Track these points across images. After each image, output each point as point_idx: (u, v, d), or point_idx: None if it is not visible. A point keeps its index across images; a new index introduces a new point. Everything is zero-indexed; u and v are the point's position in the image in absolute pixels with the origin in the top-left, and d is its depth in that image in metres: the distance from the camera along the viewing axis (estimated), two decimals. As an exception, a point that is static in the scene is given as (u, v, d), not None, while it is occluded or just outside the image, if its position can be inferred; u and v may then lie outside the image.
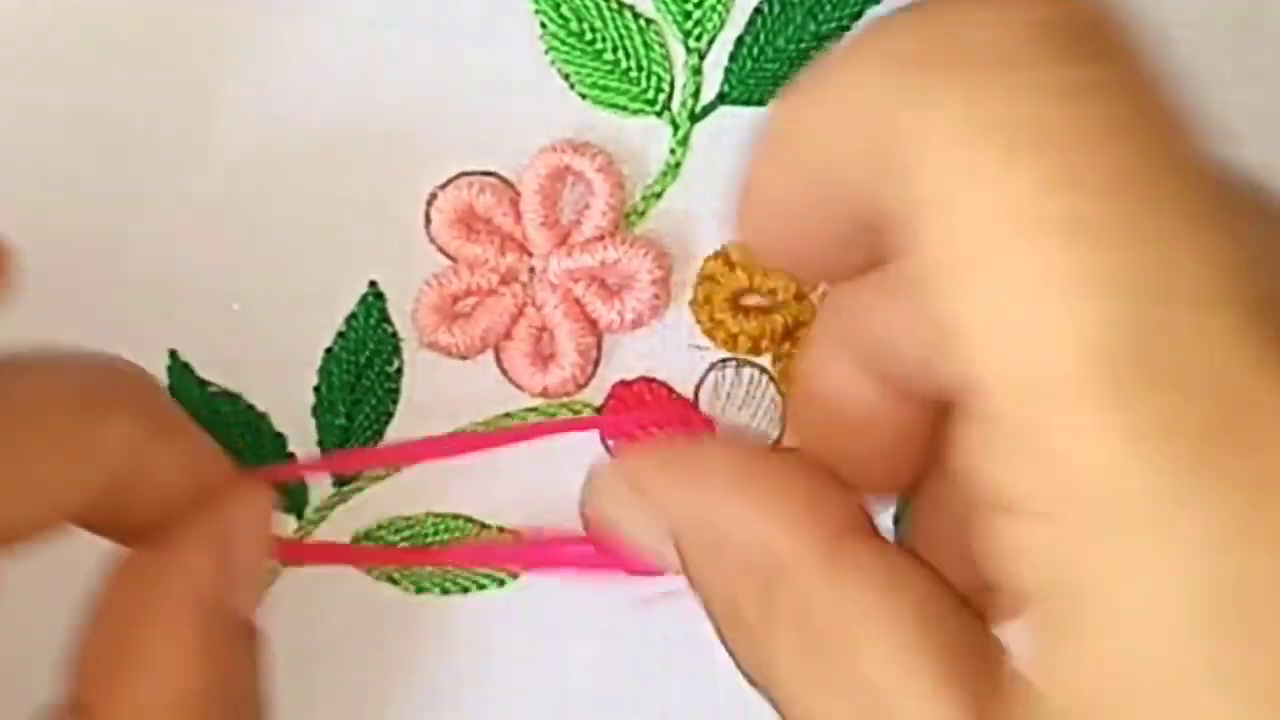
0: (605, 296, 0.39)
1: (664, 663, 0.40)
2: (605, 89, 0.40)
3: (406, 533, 0.40)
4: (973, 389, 0.23)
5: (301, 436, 0.40)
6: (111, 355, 0.36)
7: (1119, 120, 0.23)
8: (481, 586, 0.40)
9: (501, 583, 0.40)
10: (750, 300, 0.40)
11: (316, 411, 0.40)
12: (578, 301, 0.40)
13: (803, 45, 0.40)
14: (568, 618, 0.40)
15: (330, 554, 0.40)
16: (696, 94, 0.40)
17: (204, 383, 0.40)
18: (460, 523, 0.40)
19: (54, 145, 0.40)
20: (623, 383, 0.40)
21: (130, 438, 0.34)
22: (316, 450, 0.40)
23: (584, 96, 0.40)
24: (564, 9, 0.40)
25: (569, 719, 0.40)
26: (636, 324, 0.40)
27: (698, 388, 0.40)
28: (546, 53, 0.40)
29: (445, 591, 0.40)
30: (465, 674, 0.40)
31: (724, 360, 0.40)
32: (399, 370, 0.40)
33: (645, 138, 0.40)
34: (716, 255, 0.40)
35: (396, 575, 0.40)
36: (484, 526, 0.40)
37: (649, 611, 0.40)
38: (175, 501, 0.35)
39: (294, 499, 0.40)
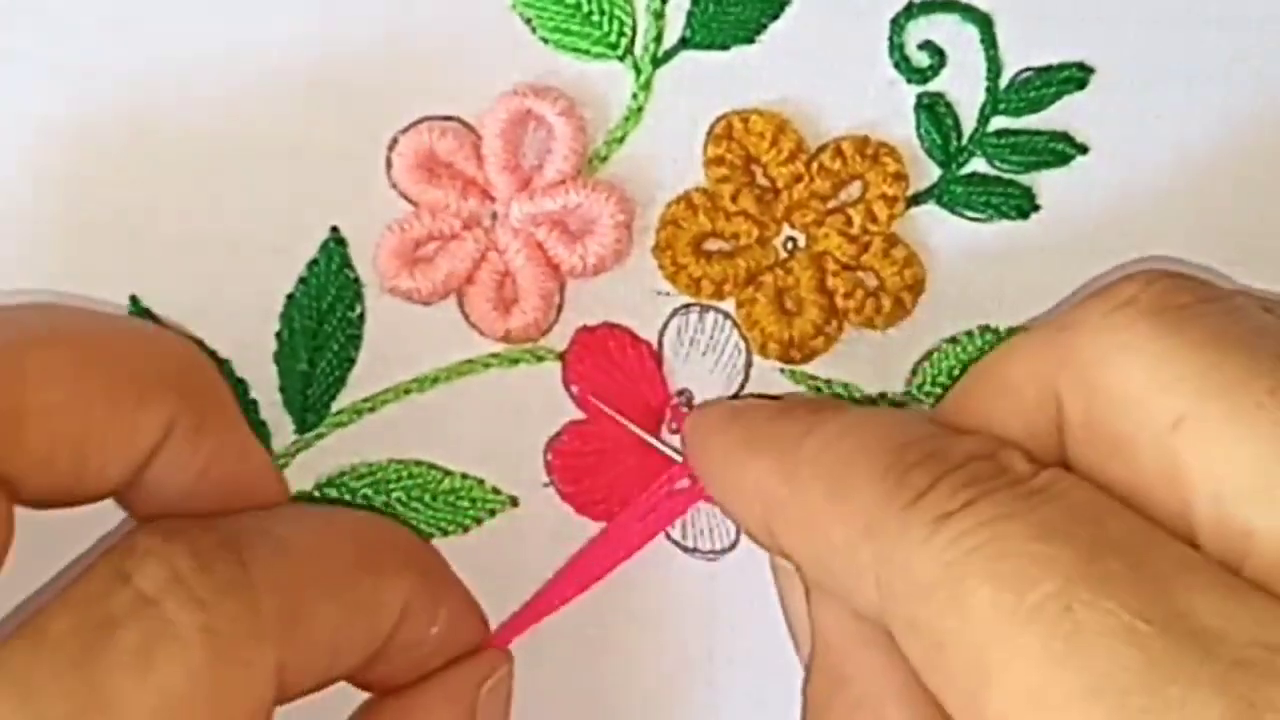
0: (567, 241, 0.39)
1: (637, 605, 0.40)
2: (567, 33, 0.39)
3: (369, 480, 0.40)
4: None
5: (263, 383, 0.40)
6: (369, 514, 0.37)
7: None
8: (445, 533, 0.40)
9: (465, 529, 0.40)
10: (713, 245, 0.40)
11: (278, 358, 0.40)
12: (540, 246, 0.39)
13: (765, -11, 0.40)
14: (531, 563, 0.40)
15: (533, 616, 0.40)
16: (659, 38, 0.40)
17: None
18: (423, 469, 0.40)
19: (11, 91, 0.40)
20: (585, 328, 0.40)
21: (406, 600, 0.34)
22: (278, 396, 0.40)
23: (546, 40, 0.40)
24: (525, -48, 0.40)
25: (541, 662, 0.40)
26: (599, 269, 0.40)
27: (661, 333, 0.40)
28: (508, -5, 0.40)
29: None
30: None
31: (687, 305, 0.40)
32: (361, 316, 0.40)
33: (607, 82, 0.40)
34: (679, 200, 0.40)
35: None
36: (447, 473, 0.40)
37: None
38: (431, 661, 0.36)
39: (256, 445, 0.40)
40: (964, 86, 0.39)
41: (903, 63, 0.39)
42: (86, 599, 0.31)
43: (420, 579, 0.35)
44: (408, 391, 0.40)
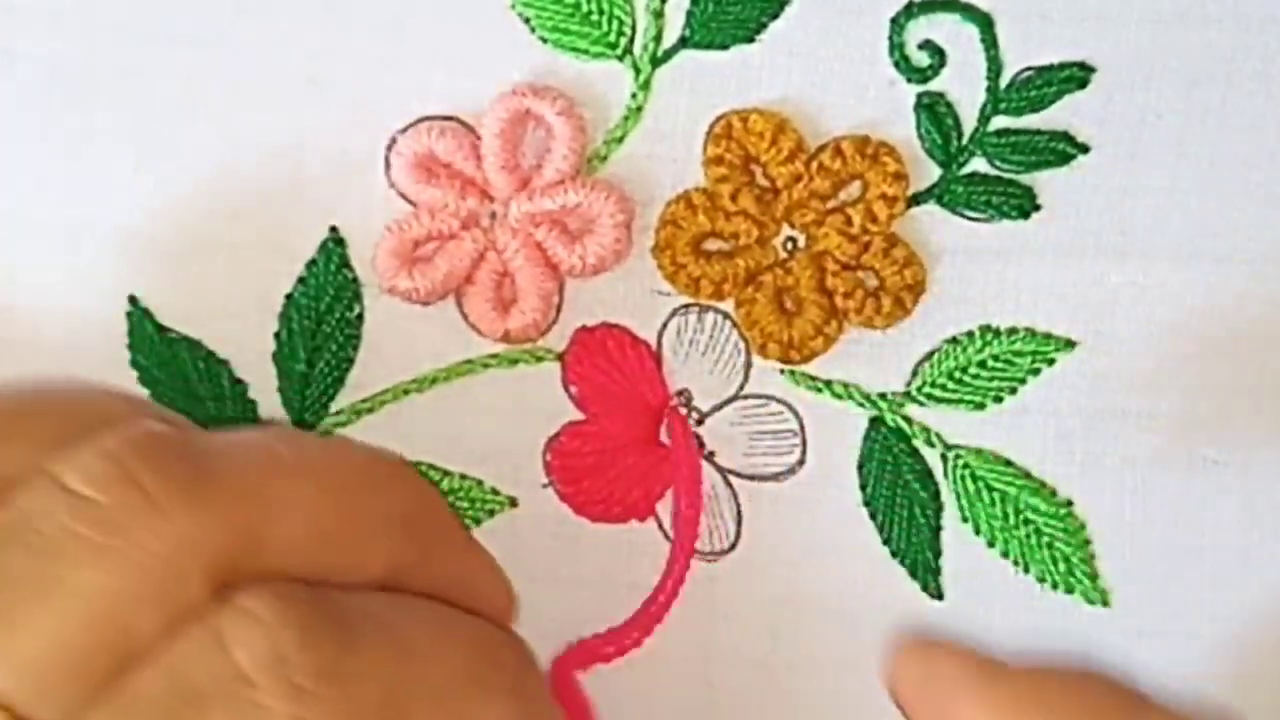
0: (567, 241, 0.39)
1: (637, 605, 0.40)
2: (566, 32, 0.39)
3: (369, 480, 0.40)
4: None
5: (262, 383, 0.40)
6: (490, 626, 0.36)
7: None
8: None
9: (476, 521, 0.40)
10: (713, 244, 0.40)
11: (277, 358, 0.40)
12: (539, 246, 0.39)
13: (765, -12, 0.39)
14: (531, 563, 0.40)
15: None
16: (658, 37, 0.39)
17: (164, 329, 0.40)
18: (422, 469, 0.40)
19: (11, 91, 0.40)
20: (584, 328, 0.40)
21: None
22: (277, 397, 0.40)
23: (545, 40, 0.39)
24: (525, -49, 0.39)
25: (540, 663, 0.40)
26: (598, 269, 0.39)
27: (660, 333, 0.40)
28: (507, -5, 0.40)
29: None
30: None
31: (686, 306, 0.40)
32: (360, 316, 0.40)
33: (607, 81, 0.40)
34: (679, 199, 0.40)
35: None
36: (446, 473, 0.40)
37: (613, 559, 0.40)
38: None
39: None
40: (964, 86, 0.39)
41: (903, 62, 0.39)
42: (182, 662, 0.30)
43: (521, 704, 0.34)
44: (406, 392, 0.40)
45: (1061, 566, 0.40)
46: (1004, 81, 0.39)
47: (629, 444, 0.40)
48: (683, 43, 0.40)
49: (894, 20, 0.39)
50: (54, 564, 0.29)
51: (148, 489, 0.31)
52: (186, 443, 0.32)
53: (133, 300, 0.40)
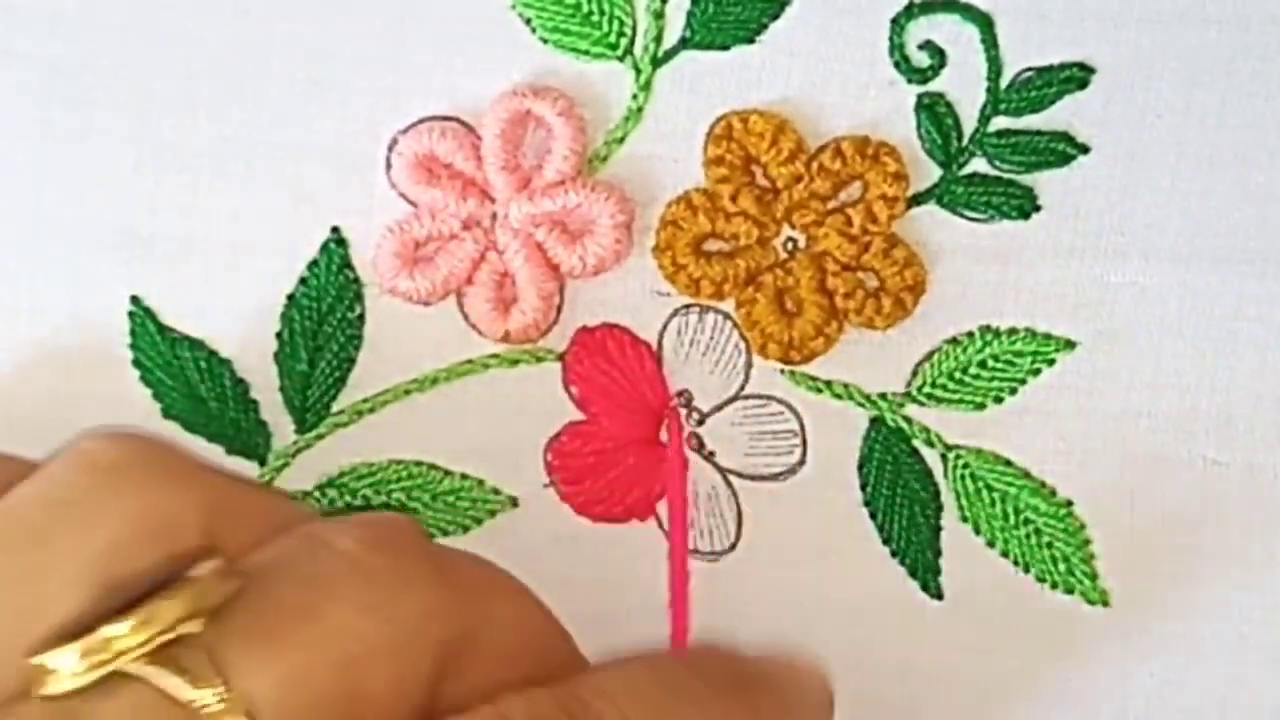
0: (567, 241, 0.39)
1: (637, 604, 0.40)
2: (567, 33, 0.39)
3: (370, 480, 0.40)
4: None
5: (264, 383, 0.40)
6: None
7: None
8: (445, 533, 0.40)
9: (465, 529, 0.40)
10: (713, 245, 0.40)
11: (279, 358, 0.40)
12: (539, 246, 0.39)
13: (766, -11, 0.40)
14: (531, 564, 0.40)
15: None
16: (659, 38, 0.39)
17: (166, 329, 0.40)
18: (424, 469, 0.40)
19: (11, 91, 0.40)
20: (585, 329, 0.40)
21: None
22: (278, 397, 0.40)
23: (545, 40, 0.40)
24: (525, -48, 0.39)
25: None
26: (599, 269, 0.40)
27: (661, 333, 0.40)
28: (508, -5, 0.40)
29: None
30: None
31: (687, 306, 0.40)
32: (361, 316, 0.40)
33: (607, 82, 0.40)
34: (679, 200, 0.40)
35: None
36: (447, 473, 0.40)
37: (613, 559, 0.40)
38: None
39: (256, 445, 0.40)
40: (964, 86, 0.39)
41: (903, 63, 0.39)
42: None
43: None
44: (408, 392, 0.40)
45: (1061, 566, 0.40)
46: (1004, 82, 0.39)
47: (629, 444, 0.40)
48: (683, 43, 0.40)
49: (894, 20, 0.39)
50: (319, 598, 0.30)
51: (404, 558, 0.31)
52: (426, 536, 0.34)
53: (135, 300, 0.40)
